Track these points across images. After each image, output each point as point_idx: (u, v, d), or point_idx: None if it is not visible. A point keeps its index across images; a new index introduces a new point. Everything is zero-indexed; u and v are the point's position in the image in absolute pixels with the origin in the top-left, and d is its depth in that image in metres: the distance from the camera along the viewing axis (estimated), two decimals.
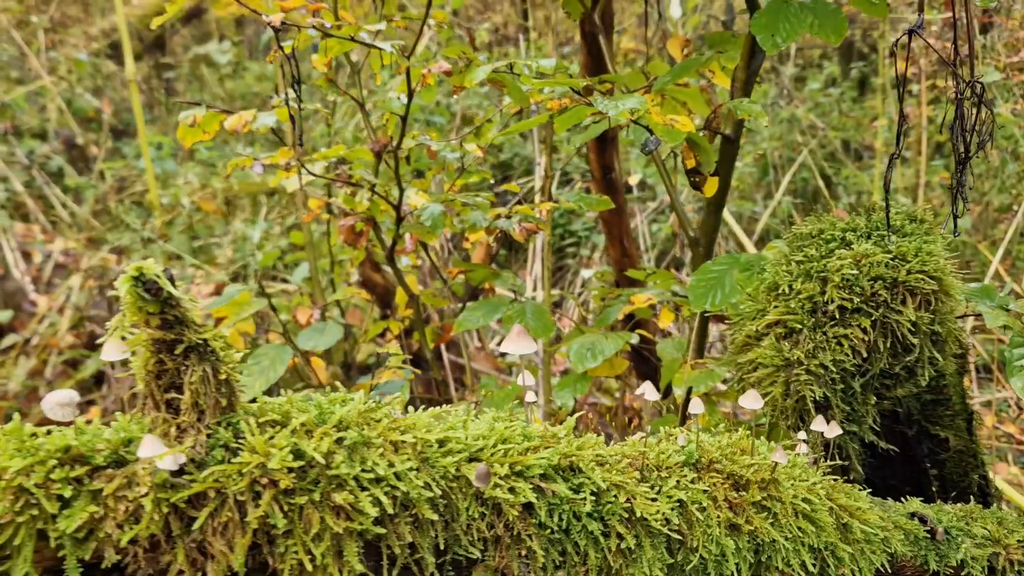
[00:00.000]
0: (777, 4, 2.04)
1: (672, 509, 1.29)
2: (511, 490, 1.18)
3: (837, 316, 1.67)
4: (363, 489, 1.08)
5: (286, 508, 1.04)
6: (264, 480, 1.03)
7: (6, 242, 5.99)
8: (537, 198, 5.26)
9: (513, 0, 8.90)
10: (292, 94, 2.26)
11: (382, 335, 3.99)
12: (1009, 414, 4.09)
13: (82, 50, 8.99)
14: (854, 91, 7.84)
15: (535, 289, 5.25)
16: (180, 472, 1.03)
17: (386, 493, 1.09)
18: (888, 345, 1.66)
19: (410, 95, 2.50)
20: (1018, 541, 1.62)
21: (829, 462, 1.58)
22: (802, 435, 1.57)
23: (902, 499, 1.64)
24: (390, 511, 1.08)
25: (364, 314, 4.61)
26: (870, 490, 1.56)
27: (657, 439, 1.42)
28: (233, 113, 2.46)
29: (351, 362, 4.45)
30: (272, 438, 1.07)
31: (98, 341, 1.06)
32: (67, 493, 0.99)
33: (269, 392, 1.82)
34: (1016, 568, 1.60)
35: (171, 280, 1.00)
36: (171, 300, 1.01)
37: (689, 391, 2.43)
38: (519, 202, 5.83)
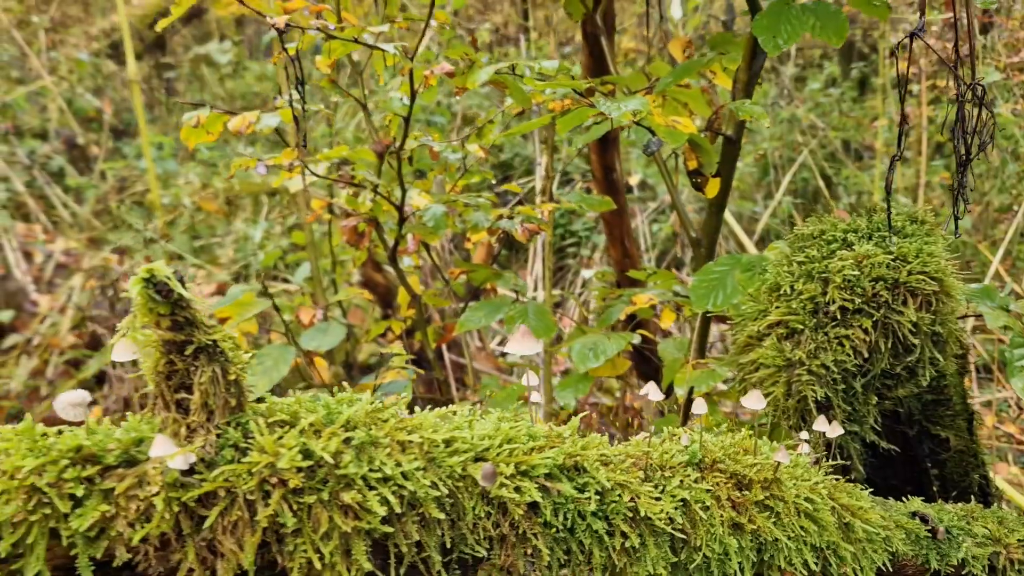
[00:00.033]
0: (779, 6, 2.06)
1: (676, 508, 1.30)
2: (517, 489, 1.19)
3: (838, 317, 1.68)
4: (371, 488, 1.09)
5: (295, 507, 1.05)
6: (273, 479, 1.04)
7: (7, 242, 6.01)
8: (538, 199, 5.27)
9: (513, 0, 8.91)
10: (296, 95, 2.27)
11: (383, 335, 4.00)
12: (1009, 414, 4.10)
13: (83, 50, 8.99)
14: (854, 91, 7.86)
15: (536, 289, 5.26)
16: (190, 471, 1.04)
17: (394, 492, 1.10)
18: (889, 345, 1.67)
19: (413, 96, 2.52)
20: (1018, 540, 1.64)
21: (831, 462, 1.59)
22: (804, 435, 1.58)
23: (903, 499, 1.65)
24: (398, 510, 1.10)
25: (365, 314, 4.63)
26: (871, 490, 1.58)
27: (661, 439, 1.43)
28: (235, 114, 2.47)
29: (352, 362, 4.46)
30: (281, 438, 1.08)
31: (110, 342, 1.07)
32: (79, 492, 1.00)
33: (272, 392, 1.83)
34: (1016, 567, 1.61)
35: (181, 282, 1.01)
36: (181, 302, 1.02)
37: (691, 391, 2.44)
38: (520, 202, 5.84)
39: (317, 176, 2.70)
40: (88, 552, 1.01)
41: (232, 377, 1.07)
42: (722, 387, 2.64)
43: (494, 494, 1.18)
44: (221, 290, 5.34)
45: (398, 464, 1.11)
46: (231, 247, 5.83)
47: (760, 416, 1.76)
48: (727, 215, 4.52)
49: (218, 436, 1.06)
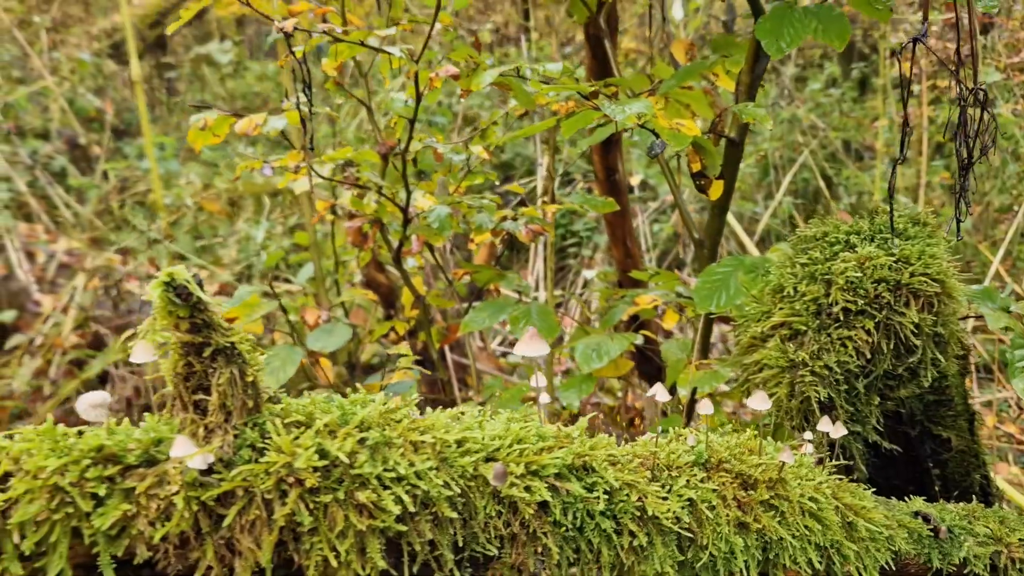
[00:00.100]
0: (781, 9, 2.07)
1: (682, 508, 1.33)
2: (527, 489, 1.21)
3: (841, 318, 1.70)
4: (385, 488, 1.11)
5: (311, 506, 1.08)
6: (290, 479, 1.06)
7: (10, 242, 6.02)
8: (539, 199, 5.29)
9: (514, 0, 8.92)
10: (303, 98, 2.29)
11: (386, 335, 4.02)
12: (1010, 414, 4.12)
13: (84, 50, 9.01)
14: (855, 91, 7.87)
15: (537, 289, 5.28)
16: (209, 471, 1.06)
17: (407, 492, 1.12)
18: (891, 347, 1.69)
19: (418, 99, 2.54)
20: (1019, 539, 1.66)
21: (834, 462, 1.61)
22: (808, 435, 1.60)
23: (905, 499, 1.67)
24: (411, 509, 1.12)
25: (368, 314, 4.64)
26: (874, 489, 1.60)
27: (667, 439, 1.45)
28: (241, 116, 2.49)
29: (355, 362, 4.48)
30: (297, 438, 1.10)
31: (115, 343, 1.09)
32: (101, 492, 1.02)
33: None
34: (1018, 566, 1.63)
35: (200, 285, 1.03)
36: (200, 304, 1.04)
37: (694, 391, 2.46)
38: (522, 202, 5.86)
39: (322, 178, 2.72)
40: (110, 550, 1.03)
41: (249, 379, 1.09)
42: (724, 388, 2.66)
43: (505, 493, 1.20)
44: (224, 290, 5.36)
45: (411, 464, 1.14)
46: (234, 248, 5.84)
47: (763, 416, 1.78)
48: (728, 215, 4.54)
49: (236, 436, 1.08)
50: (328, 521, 1.08)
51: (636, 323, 3.18)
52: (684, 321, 3.59)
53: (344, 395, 1.22)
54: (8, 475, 1.03)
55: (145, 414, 1.12)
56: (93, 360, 5.14)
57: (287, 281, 5.70)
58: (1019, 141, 5.66)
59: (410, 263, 3.30)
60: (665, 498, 1.32)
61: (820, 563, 1.43)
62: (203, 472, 1.05)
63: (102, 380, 5.22)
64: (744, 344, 1.87)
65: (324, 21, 2.68)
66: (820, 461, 1.59)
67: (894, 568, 1.52)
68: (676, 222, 6.23)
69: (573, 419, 3.08)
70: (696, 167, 2.29)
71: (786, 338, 1.76)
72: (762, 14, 2.11)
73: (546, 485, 1.22)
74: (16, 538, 1.00)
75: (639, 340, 2.71)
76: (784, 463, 1.43)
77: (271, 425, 1.11)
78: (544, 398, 1.45)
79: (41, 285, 5.88)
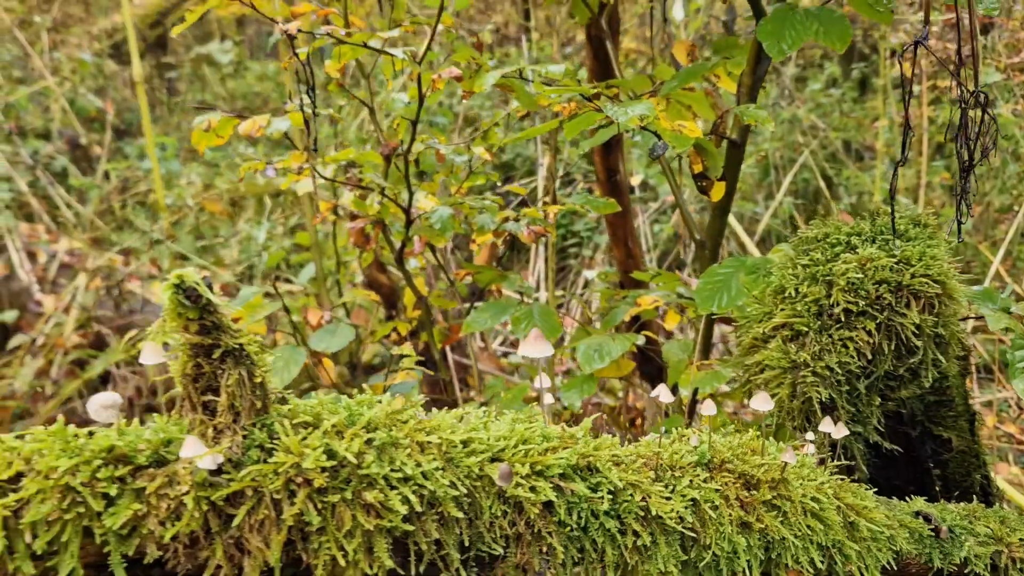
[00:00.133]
0: (783, 12, 2.08)
1: (686, 507, 1.34)
2: (532, 489, 1.22)
3: (843, 319, 1.71)
4: (392, 488, 1.13)
5: (320, 506, 1.09)
6: (299, 479, 1.08)
7: (11, 242, 6.02)
8: (540, 200, 5.30)
9: (514, 0, 8.93)
10: (307, 99, 2.30)
11: (388, 336, 4.03)
12: (1010, 414, 4.13)
13: (85, 50, 9.01)
14: (855, 91, 7.88)
15: (538, 289, 5.29)
16: (218, 471, 1.07)
17: (414, 492, 1.13)
18: (892, 347, 1.70)
19: (421, 101, 2.55)
20: (1020, 539, 1.67)
21: (835, 462, 1.62)
22: (810, 435, 1.61)
23: (906, 499, 1.68)
24: (418, 509, 1.13)
25: (369, 314, 4.65)
26: (875, 490, 1.61)
27: (670, 440, 1.46)
28: (239, 115, 2.49)
29: (357, 362, 4.49)
30: (305, 439, 1.11)
31: (133, 345, 1.10)
32: (112, 491, 1.04)
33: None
34: (1018, 566, 1.64)
35: (210, 287, 1.05)
36: (210, 306, 1.05)
37: (695, 392, 2.47)
38: (523, 203, 5.86)
39: (325, 179, 2.73)
40: (121, 550, 1.04)
41: (258, 380, 1.10)
42: (725, 388, 2.67)
43: (510, 493, 1.21)
44: (225, 291, 5.36)
45: (418, 464, 1.15)
46: (236, 248, 5.86)
47: (765, 417, 1.79)
48: (729, 216, 4.54)
49: (244, 437, 1.09)
50: (336, 521, 1.09)
51: (638, 324, 3.19)
52: (685, 322, 3.60)
53: (348, 395, 1.23)
54: (20, 475, 1.04)
55: (154, 415, 1.13)
56: (95, 360, 5.16)
57: (287, 281, 5.71)
58: (1019, 141, 5.67)
59: (412, 264, 3.31)
60: (669, 498, 1.33)
61: (822, 563, 1.44)
62: (213, 472, 1.06)
63: (104, 380, 5.23)
64: (746, 345, 1.88)
65: (326, 22, 2.69)
66: (822, 461, 1.60)
67: (895, 568, 1.53)
68: (676, 222, 6.24)
69: (574, 419, 3.09)
70: (698, 168, 2.30)
71: (788, 339, 1.77)
72: (763, 16, 2.12)
73: (551, 485, 1.23)
74: (28, 537, 1.02)
75: (641, 341, 2.72)
76: (786, 463, 1.44)
77: (279, 426, 1.12)
78: (548, 399, 1.46)
79: (42, 285, 5.89)
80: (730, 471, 1.42)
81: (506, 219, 2.90)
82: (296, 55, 2.22)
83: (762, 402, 1.44)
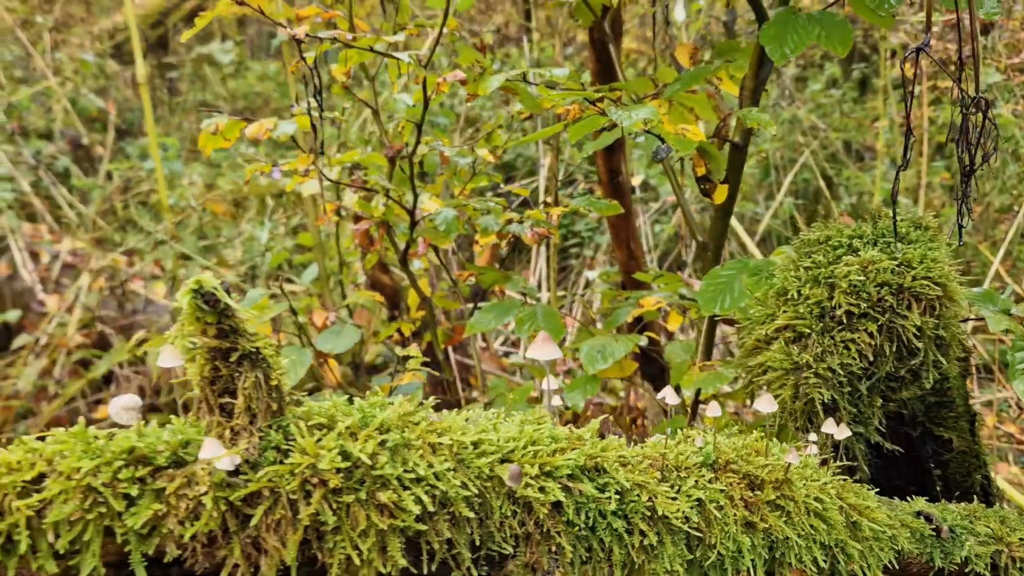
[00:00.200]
0: (785, 16, 2.10)
1: (691, 508, 1.36)
2: (541, 489, 1.25)
3: (844, 321, 1.73)
4: (405, 488, 1.15)
5: (335, 506, 1.11)
6: (315, 480, 1.10)
7: (14, 242, 6.04)
8: (542, 200, 5.31)
9: (515, 0, 8.94)
10: (313, 103, 2.32)
11: (391, 336, 4.05)
12: (1010, 414, 4.15)
13: (86, 50, 9.03)
14: (855, 92, 7.89)
15: (539, 290, 5.31)
16: (236, 472, 1.09)
17: (426, 492, 1.16)
18: (894, 349, 1.72)
19: (426, 104, 2.57)
20: (1020, 539, 1.69)
21: (837, 463, 1.64)
22: (812, 436, 1.63)
23: (907, 499, 1.70)
24: (430, 509, 1.15)
25: (371, 315, 4.67)
26: (877, 490, 1.63)
27: (676, 441, 1.49)
28: (246, 119, 2.51)
29: (359, 362, 4.51)
30: (320, 440, 1.14)
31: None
32: (133, 492, 1.06)
33: None
34: (1018, 565, 1.66)
35: (227, 292, 1.07)
36: (227, 311, 1.07)
37: (698, 392, 2.50)
38: (524, 203, 5.87)
39: (331, 181, 2.75)
40: (141, 549, 1.06)
41: (274, 382, 1.13)
42: (727, 389, 2.69)
43: (520, 494, 1.23)
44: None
45: (430, 465, 1.17)
46: (239, 248, 5.87)
47: (768, 418, 1.81)
48: None
49: (261, 438, 1.12)
50: (351, 520, 1.11)
51: (640, 324, 3.21)
52: (686, 322, 3.62)
53: (351, 395, 1.25)
54: (42, 476, 1.06)
55: (170, 416, 1.16)
56: (98, 360, 5.17)
57: (289, 281, 5.72)
58: (1019, 142, 5.69)
59: (416, 265, 3.33)
60: (674, 498, 1.35)
61: (825, 562, 1.46)
62: (231, 473, 1.09)
63: (107, 380, 5.25)
64: (748, 346, 1.90)
65: (331, 25, 2.71)
66: (824, 462, 1.62)
67: (897, 567, 1.55)
68: (677, 222, 6.26)
69: (576, 419, 3.11)
70: (701, 171, 2.33)
71: (790, 340, 1.79)
72: (766, 20, 2.14)
73: (559, 486, 1.26)
74: (51, 537, 1.04)
75: (643, 342, 2.74)
76: (790, 464, 1.46)
77: (295, 427, 1.14)
78: (556, 401, 1.48)
79: (45, 285, 5.90)
80: (735, 472, 1.44)
81: (509, 221, 2.92)
82: (303, 59, 2.24)
83: (766, 404, 1.46)
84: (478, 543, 1.22)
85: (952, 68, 1.75)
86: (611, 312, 3.08)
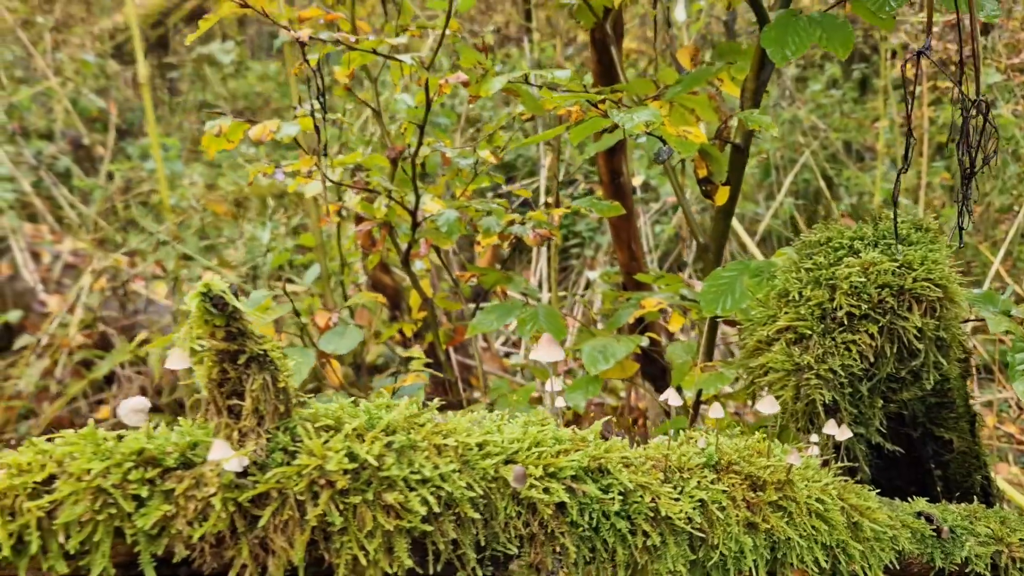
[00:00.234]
0: (786, 18, 2.11)
1: (694, 508, 1.37)
2: (545, 490, 1.26)
3: (846, 322, 1.74)
4: (411, 489, 1.16)
5: (342, 507, 1.12)
6: (322, 481, 1.11)
7: (15, 242, 6.05)
8: (543, 201, 5.32)
9: (515, 0, 8.94)
10: (317, 105, 2.33)
11: (392, 336, 4.06)
12: (1010, 414, 4.17)
13: (87, 50, 9.03)
14: (855, 92, 7.90)
15: (540, 290, 5.33)
16: (244, 474, 1.11)
17: (432, 493, 1.17)
18: (895, 350, 1.73)
19: (428, 106, 2.58)
20: (1020, 539, 1.70)
21: (839, 464, 1.65)
22: (814, 437, 1.64)
23: (908, 499, 1.72)
24: (436, 510, 1.17)
25: (372, 315, 4.68)
26: (878, 490, 1.64)
27: (679, 442, 1.50)
28: (249, 120, 2.52)
29: (361, 363, 4.52)
30: (327, 442, 1.15)
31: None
32: (143, 493, 1.07)
33: None
34: (1018, 565, 1.67)
35: (235, 295, 1.08)
36: (236, 314, 1.08)
37: (699, 393, 2.51)
38: (524, 203, 5.88)
39: (334, 183, 2.76)
40: (150, 549, 1.08)
41: (281, 384, 1.14)
42: (728, 389, 2.70)
43: (524, 495, 1.24)
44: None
45: (436, 466, 1.18)
46: (242, 249, 5.88)
47: (769, 418, 1.82)
48: None
49: (268, 440, 1.13)
50: (358, 521, 1.13)
51: (641, 325, 3.22)
52: (687, 323, 3.63)
53: (354, 396, 1.27)
54: (53, 477, 1.07)
55: (173, 416, 1.17)
56: (100, 360, 5.18)
57: (290, 281, 5.73)
58: (1019, 142, 5.70)
59: (418, 266, 3.34)
60: (677, 499, 1.36)
61: (826, 562, 1.47)
62: (239, 474, 1.10)
63: (108, 380, 5.26)
64: (750, 347, 1.91)
65: (333, 26, 2.72)
66: (826, 463, 1.63)
67: (898, 567, 1.56)
68: (678, 223, 6.27)
69: (576, 419, 3.12)
70: (703, 173, 2.34)
71: (791, 342, 1.80)
72: (767, 22, 2.15)
73: (563, 487, 1.27)
74: (61, 537, 1.05)
75: (645, 342, 2.75)
76: (792, 465, 1.47)
77: (302, 429, 1.16)
78: (560, 402, 1.49)
79: (47, 286, 5.91)
80: (737, 473, 1.45)
81: (511, 222, 2.93)
82: (307, 61, 2.25)
83: (768, 405, 1.47)
84: (483, 543, 1.23)
85: (952, 69, 1.76)
86: (612, 313, 3.09)
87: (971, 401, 2.00)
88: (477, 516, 1.21)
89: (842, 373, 1.73)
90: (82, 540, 1.06)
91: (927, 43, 1.62)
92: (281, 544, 1.11)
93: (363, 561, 1.12)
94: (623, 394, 4.07)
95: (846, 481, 1.57)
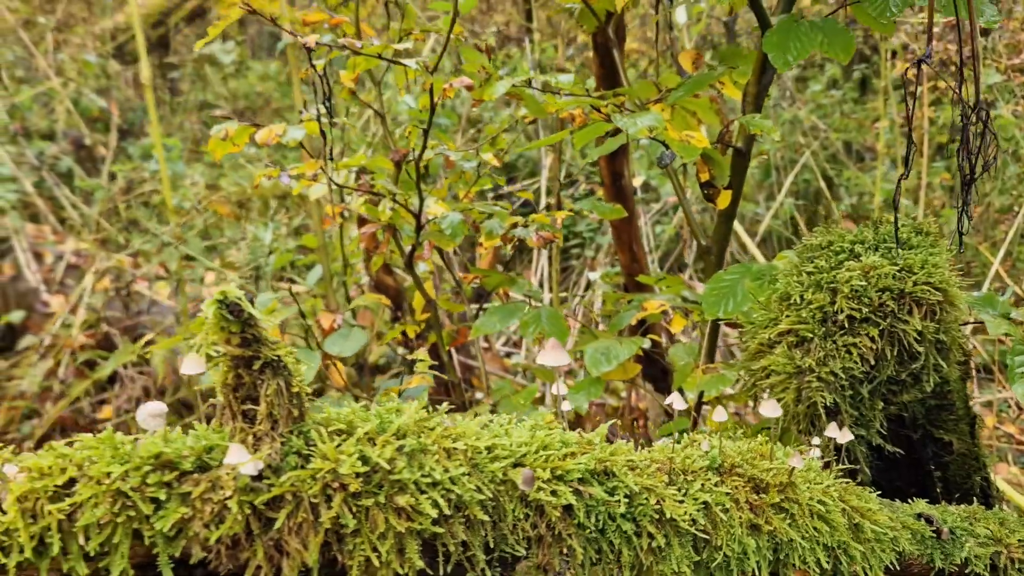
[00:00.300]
0: (788, 23, 2.13)
1: (698, 510, 1.39)
2: (553, 493, 1.28)
3: (846, 325, 1.76)
4: (422, 492, 1.19)
5: (355, 510, 1.15)
6: (335, 484, 1.14)
7: (18, 243, 6.06)
8: (544, 201, 5.34)
9: (515, 0, 8.95)
10: (323, 109, 2.35)
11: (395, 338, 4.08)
12: (1009, 414, 4.19)
13: (88, 50, 9.05)
14: (855, 92, 7.92)
15: (541, 289, 5.34)
16: (259, 477, 1.13)
17: (442, 496, 1.19)
18: (895, 353, 1.75)
19: (432, 109, 2.60)
20: (1019, 540, 1.72)
21: (840, 466, 1.67)
22: (815, 440, 1.66)
23: (908, 501, 1.74)
24: (446, 512, 1.19)
25: (374, 316, 4.70)
26: (879, 492, 1.66)
27: (683, 445, 1.52)
28: (255, 124, 2.54)
29: (363, 363, 4.55)
30: (340, 446, 1.17)
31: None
32: (161, 496, 1.10)
33: None
34: (1017, 566, 1.70)
35: (251, 302, 1.10)
36: (251, 320, 1.11)
37: (701, 395, 2.53)
38: (525, 204, 5.89)
39: (339, 186, 2.78)
40: (168, 551, 1.10)
41: (295, 389, 1.16)
42: (729, 390, 2.72)
43: (532, 497, 1.27)
44: None
45: (446, 470, 1.21)
46: (245, 249, 5.91)
47: (771, 420, 1.84)
48: None
49: (282, 444, 1.15)
50: (370, 523, 1.15)
51: (643, 327, 3.24)
52: (688, 325, 3.65)
53: (357, 397, 1.29)
54: (73, 481, 1.10)
55: (176, 416, 1.19)
56: (103, 361, 5.21)
57: (291, 281, 5.75)
58: (1020, 143, 5.72)
59: (422, 267, 3.36)
60: (682, 501, 1.39)
61: (828, 563, 1.49)
62: (254, 478, 1.12)
63: (111, 381, 5.29)
64: (752, 350, 1.93)
65: (338, 30, 2.74)
66: (827, 465, 1.65)
67: (898, 568, 1.59)
68: (678, 223, 6.29)
69: (577, 419, 3.14)
70: (705, 177, 2.36)
71: (793, 345, 1.82)
72: (768, 27, 2.17)
73: (570, 489, 1.29)
74: (81, 539, 1.08)
75: (647, 344, 2.77)
76: (794, 467, 1.50)
77: (315, 433, 1.18)
78: (567, 406, 1.51)
79: (49, 286, 5.93)
80: (740, 475, 1.47)
81: (514, 224, 2.94)
82: (313, 66, 2.27)
83: (771, 409, 1.49)
84: (492, 545, 1.25)
85: (953, 70, 1.78)
86: (614, 314, 3.10)
87: (971, 402, 2.02)
88: (486, 518, 1.23)
89: (843, 376, 1.75)
90: (102, 542, 1.08)
91: (928, 51, 1.64)
92: (295, 546, 1.13)
93: (375, 562, 1.14)
94: (623, 394, 4.09)
95: (847, 483, 1.59)
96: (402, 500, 1.16)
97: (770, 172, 6.89)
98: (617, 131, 2.32)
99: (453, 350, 4.48)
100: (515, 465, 1.28)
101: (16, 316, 5.51)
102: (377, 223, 2.84)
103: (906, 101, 1.79)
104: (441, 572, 1.22)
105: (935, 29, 5.66)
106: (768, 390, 1.83)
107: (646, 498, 1.35)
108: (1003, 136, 5.55)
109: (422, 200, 2.77)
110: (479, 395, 4.05)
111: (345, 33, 2.63)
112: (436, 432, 1.25)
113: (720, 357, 4.30)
